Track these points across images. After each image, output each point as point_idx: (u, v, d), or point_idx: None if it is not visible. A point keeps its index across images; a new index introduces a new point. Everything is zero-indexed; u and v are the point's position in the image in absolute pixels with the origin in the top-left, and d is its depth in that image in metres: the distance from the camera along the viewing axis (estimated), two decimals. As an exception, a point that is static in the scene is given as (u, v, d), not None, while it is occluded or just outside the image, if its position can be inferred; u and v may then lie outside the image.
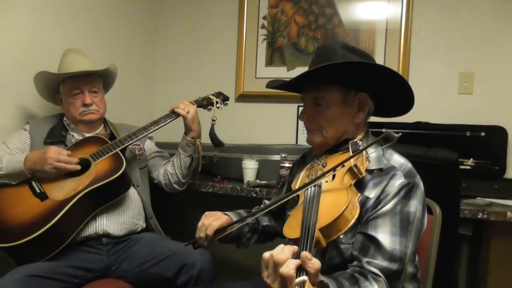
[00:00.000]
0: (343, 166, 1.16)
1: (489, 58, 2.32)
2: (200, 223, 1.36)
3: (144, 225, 1.91)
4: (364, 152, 1.17)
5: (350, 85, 1.25)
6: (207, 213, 1.39)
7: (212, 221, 1.34)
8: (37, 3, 2.08)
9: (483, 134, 2.20)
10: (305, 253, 0.88)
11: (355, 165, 1.13)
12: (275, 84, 1.38)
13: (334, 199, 1.06)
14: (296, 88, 1.36)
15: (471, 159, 2.16)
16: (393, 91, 1.27)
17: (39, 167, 1.64)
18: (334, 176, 1.16)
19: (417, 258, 1.28)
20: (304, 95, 1.33)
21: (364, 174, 1.14)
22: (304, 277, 0.85)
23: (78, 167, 1.67)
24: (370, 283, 1.05)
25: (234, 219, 1.40)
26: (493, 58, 2.31)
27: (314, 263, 0.87)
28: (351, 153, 1.18)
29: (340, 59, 1.22)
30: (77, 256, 1.67)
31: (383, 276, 1.07)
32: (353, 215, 1.02)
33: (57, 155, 1.64)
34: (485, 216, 1.74)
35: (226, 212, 1.43)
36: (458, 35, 2.37)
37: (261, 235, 1.52)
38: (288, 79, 1.29)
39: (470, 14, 2.34)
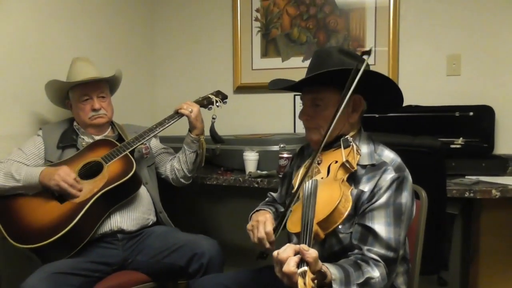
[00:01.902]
0: (336, 162, 1.28)
1: (475, 40, 2.41)
2: (255, 239, 1.34)
3: (154, 219, 2.04)
4: (355, 147, 1.29)
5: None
6: (249, 226, 1.39)
7: (263, 229, 1.33)
8: (44, 16, 2.19)
9: (471, 113, 2.30)
10: (302, 246, 1.00)
11: (347, 161, 1.25)
12: (276, 86, 1.48)
13: (329, 195, 1.17)
14: (296, 89, 1.47)
15: (461, 138, 2.27)
16: (384, 92, 1.37)
17: (46, 181, 1.75)
18: (328, 171, 1.27)
19: (406, 240, 1.41)
20: (303, 96, 1.43)
21: (355, 167, 1.25)
22: (305, 268, 0.97)
23: (79, 194, 1.76)
24: (372, 268, 1.18)
25: (270, 210, 1.47)
26: (479, 40, 2.40)
27: (311, 253, 0.99)
28: (342, 149, 1.29)
29: (337, 63, 1.32)
30: (96, 252, 1.80)
31: (382, 262, 1.20)
32: (346, 208, 1.14)
33: (65, 175, 1.75)
34: (472, 195, 1.86)
35: (258, 209, 1.49)
36: (444, 18, 2.46)
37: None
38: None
39: (455, -3, 2.43)
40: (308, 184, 1.22)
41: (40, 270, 1.62)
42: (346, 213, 1.13)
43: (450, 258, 2.14)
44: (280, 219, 1.32)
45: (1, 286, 1.77)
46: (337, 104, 1.33)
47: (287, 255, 1.01)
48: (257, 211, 1.50)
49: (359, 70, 1.19)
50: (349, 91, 1.21)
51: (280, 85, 1.47)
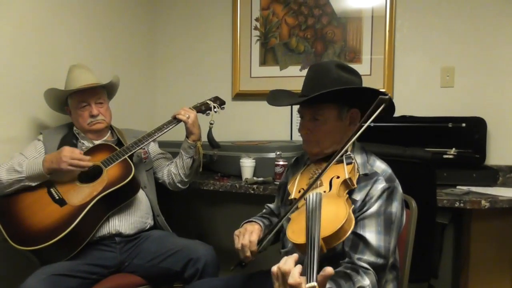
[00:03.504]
0: (338, 177, 1.29)
1: (468, 53, 2.47)
2: (238, 245, 1.40)
3: (152, 223, 2.07)
4: (356, 165, 1.33)
5: (344, 102, 1.39)
6: (237, 232, 1.45)
7: (248, 237, 1.40)
8: (44, 21, 2.23)
9: (464, 125, 2.35)
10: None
11: (349, 178, 1.28)
12: (277, 103, 1.49)
13: (334, 211, 1.18)
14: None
15: (454, 149, 2.32)
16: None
17: (55, 166, 1.79)
18: (330, 186, 1.29)
19: (396, 248, 1.45)
20: (302, 110, 1.45)
21: (356, 186, 1.29)
22: (314, 283, 0.96)
23: (90, 163, 1.83)
24: (362, 277, 1.21)
25: (261, 223, 1.51)
26: (473, 53, 2.47)
27: (329, 270, 0.98)
28: (345, 165, 1.31)
29: (336, 78, 1.36)
30: (93, 255, 1.83)
31: (372, 269, 1.24)
32: (350, 226, 1.15)
33: (71, 153, 1.80)
34: (462, 205, 1.91)
35: (251, 220, 1.53)
36: (439, 31, 2.52)
37: (275, 235, 1.58)
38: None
39: (450, 12, 2.49)
40: (312, 197, 1.21)
41: (39, 271, 1.66)
42: (350, 231, 1.15)
43: (441, 266, 2.18)
44: (267, 231, 1.37)
45: (0, 287, 1.80)
46: (335, 119, 1.39)
47: (289, 267, 1.02)
48: (249, 221, 1.54)
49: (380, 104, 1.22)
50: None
51: (281, 103, 1.48)
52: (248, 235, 1.41)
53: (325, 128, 1.39)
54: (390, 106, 1.39)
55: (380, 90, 1.38)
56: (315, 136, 1.41)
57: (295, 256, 1.06)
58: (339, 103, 1.39)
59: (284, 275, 1.03)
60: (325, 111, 1.39)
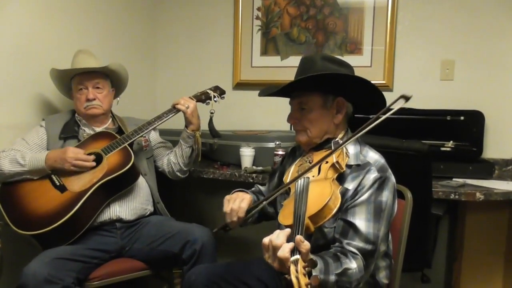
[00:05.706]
0: (327, 162, 1.35)
1: (468, 47, 2.48)
2: (227, 209, 1.47)
3: (152, 209, 2.11)
4: (344, 149, 1.37)
5: (329, 91, 1.44)
6: (228, 197, 1.51)
7: (239, 203, 1.47)
8: (48, 8, 2.24)
9: (462, 118, 2.37)
10: (299, 237, 1.08)
11: (337, 161, 1.33)
12: (265, 93, 1.56)
13: (320, 191, 1.25)
14: (285, 94, 1.55)
15: (451, 142, 2.35)
16: (367, 94, 1.45)
17: (59, 165, 1.83)
18: (319, 171, 1.35)
19: (390, 237, 1.48)
20: (291, 101, 1.52)
21: (344, 169, 1.34)
22: (297, 256, 1.05)
23: (94, 163, 1.86)
24: (350, 260, 1.26)
25: (253, 195, 1.56)
26: (472, 47, 2.48)
27: (306, 245, 1.07)
28: (332, 149, 1.36)
29: (320, 69, 1.40)
30: (95, 240, 1.87)
31: (360, 255, 1.28)
32: (336, 205, 1.22)
33: (75, 154, 1.83)
34: (457, 197, 1.94)
35: (242, 189, 1.59)
36: (440, 25, 2.53)
37: (258, 215, 1.68)
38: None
39: (452, 5, 2.49)
40: (300, 181, 1.28)
41: (42, 255, 1.70)
42: (335, 210, 1.21)
43: (435, 256, 2.22)
44: (259, 202, 1.44)
45: (3, 270, 1.84)
46: (320, 107, 1.44)
47: (282, 242, 1.10)
48: (240, 190, 1.60)
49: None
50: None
51: (269, 92, 1.55)
52: (239, 201, 1.47)
53: (311, 117, 1.44)
54: (379, 96, 1.43)
55: (357, 76, 1.41)
56: (302, 125, 1.47)
57: (287, 230, 1.13)
58: (324, 92, 1.44)
59: (275, 249, 1.09)
60: (310, 100, 1.44)
